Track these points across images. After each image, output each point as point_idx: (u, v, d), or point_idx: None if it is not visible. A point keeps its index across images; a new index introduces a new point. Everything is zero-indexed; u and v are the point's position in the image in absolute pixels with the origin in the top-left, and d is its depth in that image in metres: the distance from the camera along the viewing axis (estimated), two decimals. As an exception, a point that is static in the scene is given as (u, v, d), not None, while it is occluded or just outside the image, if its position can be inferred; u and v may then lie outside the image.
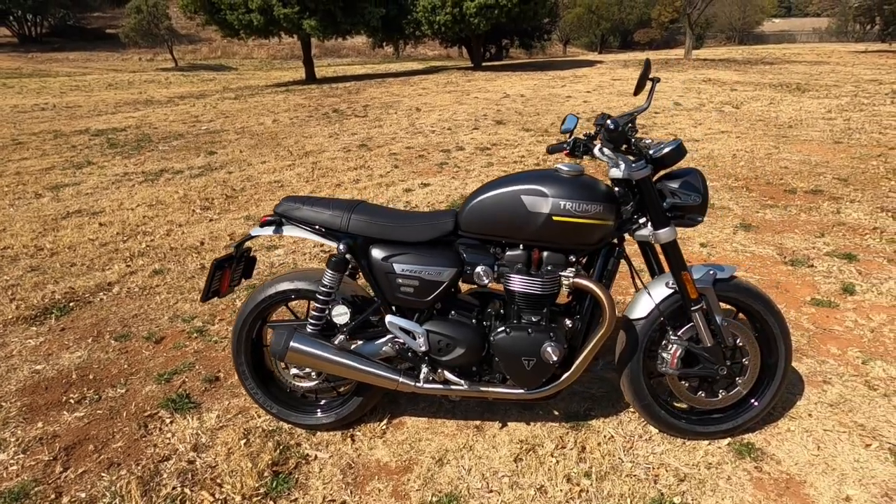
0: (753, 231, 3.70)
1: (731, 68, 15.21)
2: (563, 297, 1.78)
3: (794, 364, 2.23)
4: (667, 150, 1.62)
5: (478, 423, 1.96)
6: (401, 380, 1.73)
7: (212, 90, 16.79)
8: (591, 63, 19.45)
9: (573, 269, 1.65)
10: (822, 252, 3.31)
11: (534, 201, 1.60)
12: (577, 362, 1.67)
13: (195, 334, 2.65)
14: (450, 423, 1.97)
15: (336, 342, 1.74)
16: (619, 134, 1.55)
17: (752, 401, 1.80)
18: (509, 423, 1.94)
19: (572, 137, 1.69)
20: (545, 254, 1.67)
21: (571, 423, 1.94)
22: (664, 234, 1.63)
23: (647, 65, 1.59)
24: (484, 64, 21.27)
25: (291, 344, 1.70)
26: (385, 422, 1.98)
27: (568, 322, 1.72)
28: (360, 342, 1.79)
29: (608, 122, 1.52)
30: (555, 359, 1.62)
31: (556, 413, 1.99)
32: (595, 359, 1.92)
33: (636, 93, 1.60)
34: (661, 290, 1.72)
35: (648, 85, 1.60)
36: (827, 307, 2.67)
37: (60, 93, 17.41)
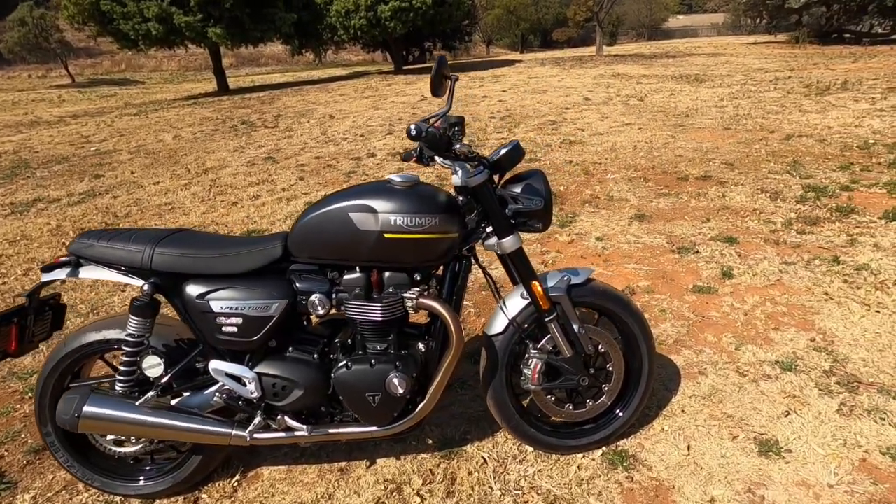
0: (647, 221, 3.77)
1: (638, 63, 15.98)
2: (423, 317, 1.63)
3: (672, 357, 2.21)
4: (503, 151, 1.51)
5: (343, 464, 1.77)
6: (234, 433, 1.51)
7: (111, 107, 15.54)
8: (510, 63, 19.83)
9: (417, 289, 1.50)
10: (707, 237, 3.41)
11: (363, 219, 1.43)
12: (431, 391, 1.52)
13: (29, 394, 2.28)
14: (312, 468, 1.76)
15: (148, 398, 1.48)
16: (434, 139, 1.40)
17: (618, 411, 1.73)
18: (378, 461, 1.77)
19: (420, 145, 1.54)
20: (386, 275, 1.51)
21: (445, 450, 1.79)
22: (508, 242, 1.52)
23: (441, 63, 1.44)
24: (405, 67, 21.15)
25: (84, 409, 1.44)
26: (238, 476, 1.74)
27: (422, 346, 1.57)
28: (187, 394, 1.55)
29: (410, 128, 1.38)
30: (401, 391, 1.46)
31: (431, 441, 1.84)
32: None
33: (435, 93, 1.46)
34: (516, 303, 1.61)
35: (448, 84, 1.48)
36: (707, 293, 2.71)
37: (-74, 117, 15.48)
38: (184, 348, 1.56)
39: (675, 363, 2.17)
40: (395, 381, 1.46)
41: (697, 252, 3.20)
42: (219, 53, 17.71)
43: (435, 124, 1.42)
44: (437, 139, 1.40)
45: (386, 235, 1.43)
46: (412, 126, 1.36)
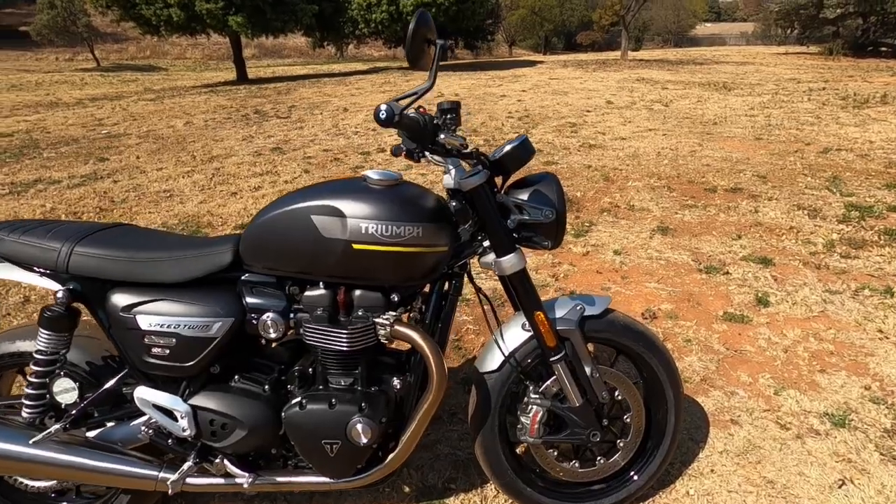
0: (671, 235, 3.44)
1: (664, 68, 15.51)
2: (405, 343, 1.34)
3: (699, 398, 1.89)
4: (508, 148, 1.21)
5: (302, 511, 1.49)
6: (161, 476, 1.24)
7: (130, 92, 15.53)
8: (532, 63, 19.46)
9: (393, 313, 1.21)
10: (738, 256, 3.07)
11: (328, 224, 1.15)
12: (404, 439, 1.23)
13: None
14: (264, 513, 1.49)
15: (51, 433, 1.21)
16: (414, 126, 1.11)
17: (633, 473, 1.42)
18: (343, 509, 1.49)
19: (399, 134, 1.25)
20: (356, 293, 1.22)
21: (423, 502, 1.50)
22: (508, 262, 1.22)
23: (421, 20, 1.07)
24: (425, 64, 20.85)
25: (-30, 443, 1.18)
26: (177, 518, 1.47)
27: (398, 382, 1.28)
28: (111, 424, 1.29)
29: (379, 109, 1.07)
30: (364, 440, 1.17)
31: (407, 489, 1.55)
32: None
33: (414, 62, 1.11)
34: (515, 335, 1.31)
35: (432, 52, 1.17)
36: (739, 323, 2.38)
37: (-48, 95, 15.64)
38: (112, 367, 1.30)
39: (703, 407, 1.85)
40: (359, 427, 1.17)
41: (728, 273, 2.86)
42: (239, 42, 17.63)
43: (415, 107, 1.12)
44: (420, 127, 1.11)
45: (355, 246, 1.15)
46: (382, 108, 1.06)
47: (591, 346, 1.36)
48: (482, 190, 1.19)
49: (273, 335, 1.21)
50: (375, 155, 6.22)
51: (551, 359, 1.26)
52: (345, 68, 23.52)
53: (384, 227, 1.14)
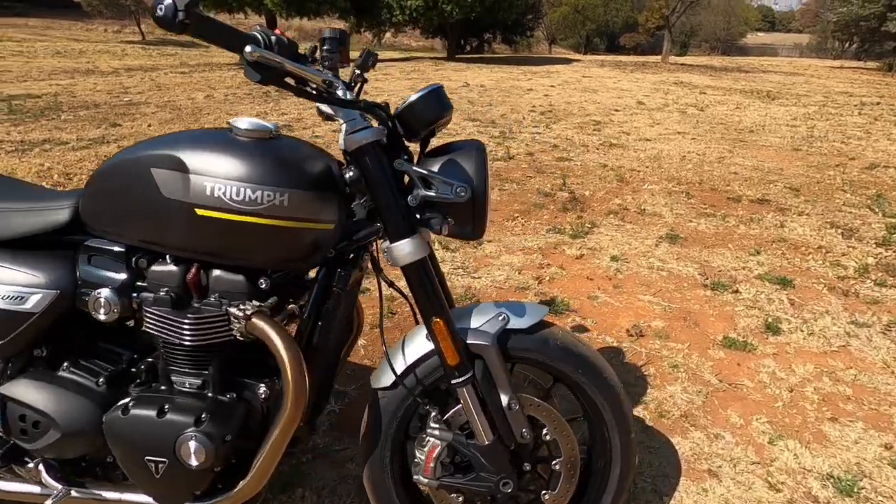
0: (679, 244, 3.07)
1: (706, 73, 14.78)
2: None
3: (674, 439, 1.57)
4: (413, 98, 0.92)
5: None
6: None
7: (166, 65, 15.73)
8: (568, 61, 18.90)
9: (256, 303, 0.94)
10: (752, 274, 2.69)
11: (169, 180, 0.89)
12: (257, 464, 0.96)
13: None
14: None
15: None
16: (217, 35, 0.77)
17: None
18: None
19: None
20: (213, 274, 0.96)
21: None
22: (401, 248, 0.93)
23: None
24: (458, 56, 20.52)
25: None
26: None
27: (264, 390, 1.01)
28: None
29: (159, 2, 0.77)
30: (195, 462, 0.91)
31: (295, 515, 1.29)
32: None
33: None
34: (418, 346, 1.03)
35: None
36: (741, 350, 2.02)
37: (-1, 57, 16.13)
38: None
39: (678, 450, 1.53)
40: (190, 445, 0.91)
41: (737, 291, 2.50)
42: (275, 22, 17.65)
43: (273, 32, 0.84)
44: (226, 35, 0.77)
45: (199, 212, 0.88)
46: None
47: (511, 373, 1.06)
48: (371, 152, 0.91)
49: (104, 316, 0.96)
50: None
51: (452, 381, 0.97)
52: (380, 56, 23.35)
53: (235, 189, 0.87)
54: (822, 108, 8.73)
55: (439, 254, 2.84)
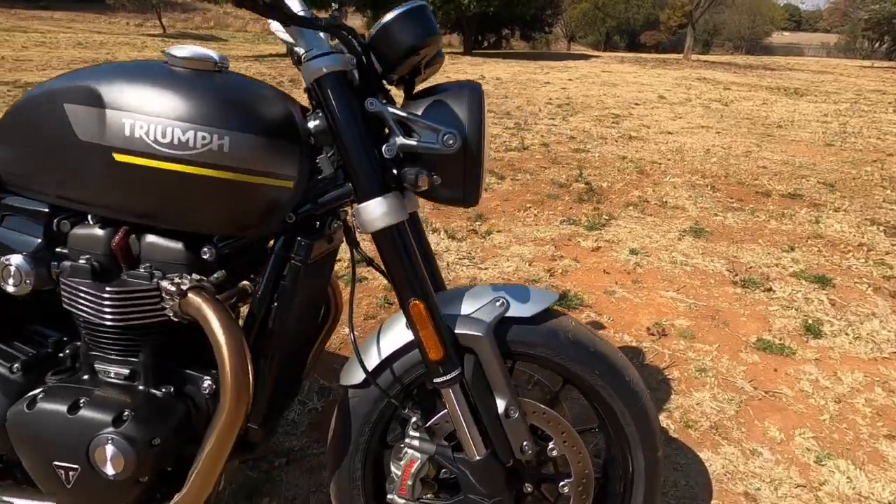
0: (705, 238, 2.83)
1: (730, 70, 14.33)
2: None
3: (702, 454, 1.36)
4: (388, 19, 0.72)
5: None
6: None
7: (181, 56, 15.77)
8: (587, 57, 18.53)
9: (194, 276, 0.76)
10: (787, 272, 2.44)
11: (83, 117, 0.71)
12: (194, 473, 0.78)
13: None
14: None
15: None
16: None
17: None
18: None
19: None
20: (145, 239, 0.78)
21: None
22: (370, 210, 0.73)
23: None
24: (475, 51, 20.28)
25: None
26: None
27: (209, 385, 0.83)
28: None
29: None
30: (112, 470, 0.73)
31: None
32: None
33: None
34: (395, 336, 0.83)
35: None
36: (777, 354, 1.80)
37: (22, 47, 16.35)
38: None
39: (707, 467, 1.31)
40: (107, 450, 0.73)
41: (770, 290, 2.26)
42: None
43: None
44: None
45: (117, 157, 0.70)
46: None
47: (512, 372, 0.87)
48: (335, 84, 0.71)
49: (12, 287, 0.78)
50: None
51: (436, 379, 0.78)
52: (395, 50, 23.14)
53: (161, 128, 0.69)
54: (854, 104, 8.33)
55: (444, 243, 2.64)
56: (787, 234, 2.93)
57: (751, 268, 2.49)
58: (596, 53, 23.54)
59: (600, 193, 3.56)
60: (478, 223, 2.97)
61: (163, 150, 0.69)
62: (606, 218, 3.09)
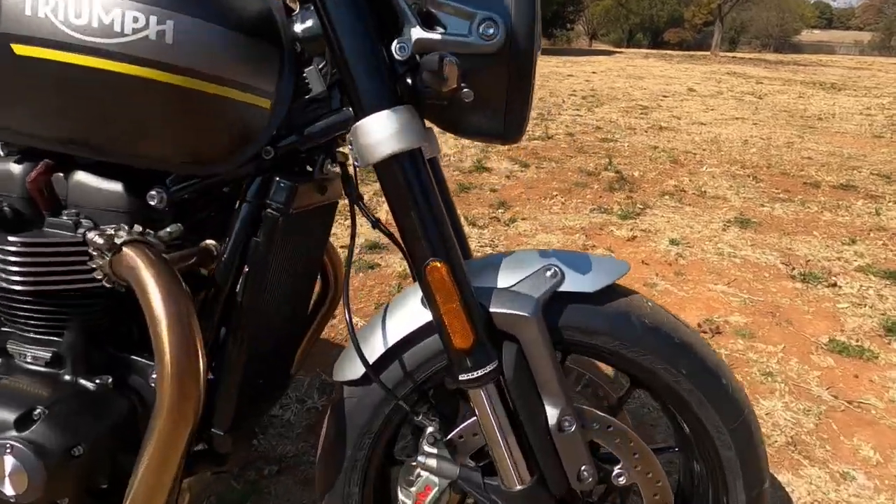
0: (753, 229, 2.56)
1: (760, 66, 13.82)
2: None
3: (780, 476, 1.11)
4: None
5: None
6: None
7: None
8: (610, 53, 18.13)
9: (136, 228, 0.55)
10: (851, 266, 2.17)
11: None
12: (131, 493, 0.57)
13: None
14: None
15: None
16: None
17: None
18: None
19: None
20: (73, 177, 0.58)
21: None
22: (371, 128, 0.50)
23: None
24: (495, 46, 20.02)
25: None
26: None
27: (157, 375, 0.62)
28: None
29: None
30: (11, 491, 0.53)
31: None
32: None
33: None
34: (407, 318, 0.61)
35: None
36: (856, 357, 1.53)
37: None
38: None
39: (789, 492, 1.07)
40: (6, 462, 0.53)
41: (835, 285, 1.99)
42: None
43: None
44: None
45: (17, 49, 0.50)
46: None
47: (567, 368, 0.64)
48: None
49: None
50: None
51: (462, 376, 0.55)
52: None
53: (74, 5, 0.48)
54: (899, 98, 7.87)
55: (463, 230, 2.43)
56: (846, 226, 2.64)
57: (809, 261, 2.21)
58: (619, 50, 23.04)
59: (632, 182, 3.30)
60: (500, 210, 2.74)
61: (76, 35, 0.48)
62: (641, 207, 2.83)
